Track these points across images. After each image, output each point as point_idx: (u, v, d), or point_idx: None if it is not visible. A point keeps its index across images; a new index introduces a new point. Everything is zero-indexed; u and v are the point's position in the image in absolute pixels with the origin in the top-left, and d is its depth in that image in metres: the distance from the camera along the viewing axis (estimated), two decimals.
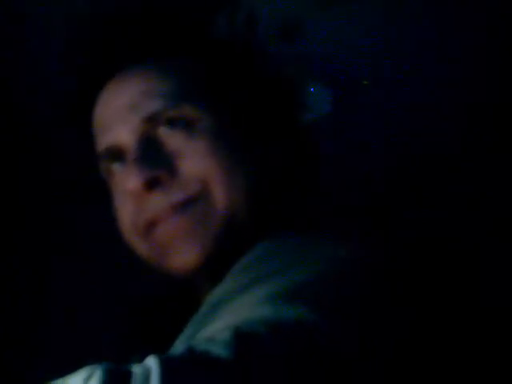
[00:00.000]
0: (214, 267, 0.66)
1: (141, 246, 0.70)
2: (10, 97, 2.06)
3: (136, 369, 0.45)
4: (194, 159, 0.67)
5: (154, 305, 0.80)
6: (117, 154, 0.70)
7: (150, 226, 0.68)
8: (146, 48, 0.72)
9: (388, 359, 0.54)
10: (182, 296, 0.77)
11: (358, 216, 0.63)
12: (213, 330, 0.52)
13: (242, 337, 0.48)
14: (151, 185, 0.67)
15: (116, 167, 0.71)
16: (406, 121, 2.36)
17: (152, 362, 0.45)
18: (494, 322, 0.64)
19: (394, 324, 0.55)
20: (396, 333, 0.55)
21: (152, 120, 0.68)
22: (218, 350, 0.47)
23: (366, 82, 2.18)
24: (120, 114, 0.70)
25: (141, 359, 0.71)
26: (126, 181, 0.67)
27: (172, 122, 0.68)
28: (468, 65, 2.09)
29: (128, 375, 0.44)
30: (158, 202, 0.67)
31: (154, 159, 0.67)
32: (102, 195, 0.75)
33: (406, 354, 0.55)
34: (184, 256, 0.67)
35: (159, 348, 0.65)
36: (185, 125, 0.68)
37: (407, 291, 0.58)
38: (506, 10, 1.89)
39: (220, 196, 0.67)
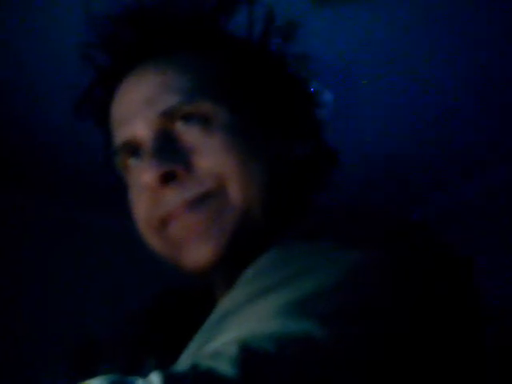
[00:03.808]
0: (228, 265, 0.66)
1: (155, 242, 0.70)
2: (26, 91, 2.05)
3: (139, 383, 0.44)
4: (210, 155, 0.67)
5: (170, 303, 0.79)
6: (133, 148, 0.70)
7: (164, 222, 0.68)
8: (163, 43, 0.72)
9: (401, 378, 0.52)
10: (197, 296, 0.76)
11: (368, 217, 0.60)
12: (220, 342, 0.51)
13: (248, 353, 0.47)
14: (167, 179, 0.66)
15: (132, 161, 0.71)
16: (404, 121, 2.36)
17: (155, 378, 0.45)
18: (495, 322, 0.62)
19: (408, 340, 0.53)
20: (411, 349, 0.53)
21: (168, 115, 0.68)
22: (224, 367, 0.46)
23: (365, 82, 2.18)
24: (137, 108, 0.69)
25: (155, 362, 0.71)
26: (142, 174, 0.67)
27: (188, 118, 0.68)
28: (468, 65, 2.09)
29: None
30: (173, 197, 0.66)
31: (171, 154, 0.67)
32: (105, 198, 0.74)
33: (422, 372, 0.53)
34: (198, 253, 0.66)
35: (173, 348, 0.65)
36: (201, 120, 0.68)
37: (423, 300, 0.55)
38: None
39: (235, 192, 0.66)
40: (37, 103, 2.11)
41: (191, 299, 0.78)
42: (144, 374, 0.46)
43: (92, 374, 0.47)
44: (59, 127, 2.16)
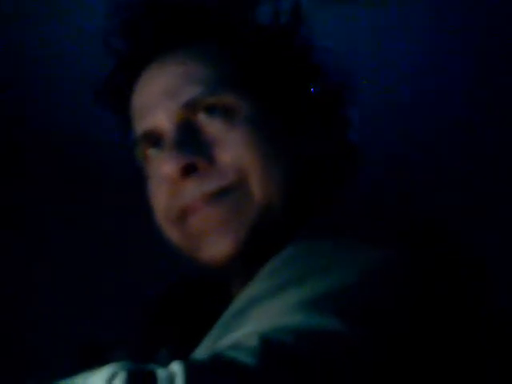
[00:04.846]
0: (246, 261, 0.65)
1: (173, 234, 0.69)
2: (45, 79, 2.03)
3: (160, 373, 0.44)
4: (232, 148, 0.66)
5: (182, 294, 0.79)
6: (154, 139, 0.69)
7: (184, 214, 0.67)
8: (186, 34, 0.71)
9: (420, 374, 0.52)
10: (213, 289, 0.75)
11: (383, 216, 0.60)
12: (240, 334, 0.51)
13: (269, 345, 0.47)
14: (187, 171, 0.65)
15: (152, 152, 0.70)
16: (405, 120, 2.37)
17: (177, 367, 0.44)
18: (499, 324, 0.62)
19: (429, 339, 0.53)
20: (431, 348, 0.53)
21: (191, 106, 0.67)
22: (245, 358, 0.46)
23: (365, 82, 2.18)
24: (158, 98, 0.68)
25: (168, 353, 0.71)
26: (163, 166, 0.66)
27: (211, 110, 0.67)
28: (468, 66, 2.10)
29: (152, 379, 0.43)
30: (193, 189, 0.66)
31: (192, 146, 0.66)
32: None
33: (442, 369, 0.53)
34: (216, 246, 0.65)
35: (184, 340, 0.65)
36: (224, 113, 0.67)
37: (444, 298, 0.55)
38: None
39: (257, 187, 0.66)
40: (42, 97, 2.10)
41: (203, 292, 0.77)
42: (158, 363, 0.46)
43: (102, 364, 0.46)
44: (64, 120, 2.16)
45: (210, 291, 0.76)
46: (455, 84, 2.19)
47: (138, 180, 0.75)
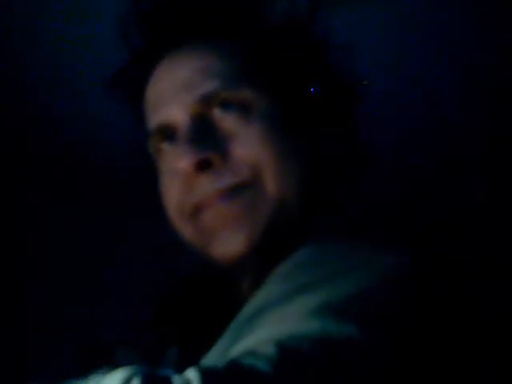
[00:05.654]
0: (258, 259, 0.64)
1: (185, 229, 0.68)
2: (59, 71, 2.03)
3: (176, 379, 0.44)
4: (247, 144, 0.65)
5: (187, 295, 0.78)
6: (168, 132, 0.68)
7: (197, 210, 0.66)
8: (203, 27, 0.70)
9: (423, 375, 0.52)
10: (217, 288, 0.75)
11: (394, 218, 0.60)
12: (255, 340, 0.50)
13: (285, 352, 0.47)
14: (202, 166, 0.65)
15: (166, 146, 0.69)
16: (408, 121, 2.37)
17: (192, 374, 0.44)
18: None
19: (435, 342, 0.53)
20: (448, 354, 0.53)
21: (206, 100, 0.67)
22: (261, 365, 0.46)
23: (365, 82, 2.18)
24: (174, 91, 0.68)
25: (175, 354, 0.70)
26: (177, 160, 0.65)
27: (227, 104, 0.66)
28: (469, 66, 2.10)
29: None
30: (207, 185, 0.65)
31: (207, 141, 0.65)
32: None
33: (442, 369, 0.54)
34: (229, 243, 0.64)
35: (192, 340, 0.64)
36: (240, 108, 0.66)
37: (449, 301, 0.56)
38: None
39: (271, 183, 0.65)
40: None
41: (207, 291, 0.77)
42: (166, 365, 0.46)
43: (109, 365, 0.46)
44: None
45: (213, 290, 0.75)
46: (460, 85, 2.19)
47: (138, 180, 0.74)
